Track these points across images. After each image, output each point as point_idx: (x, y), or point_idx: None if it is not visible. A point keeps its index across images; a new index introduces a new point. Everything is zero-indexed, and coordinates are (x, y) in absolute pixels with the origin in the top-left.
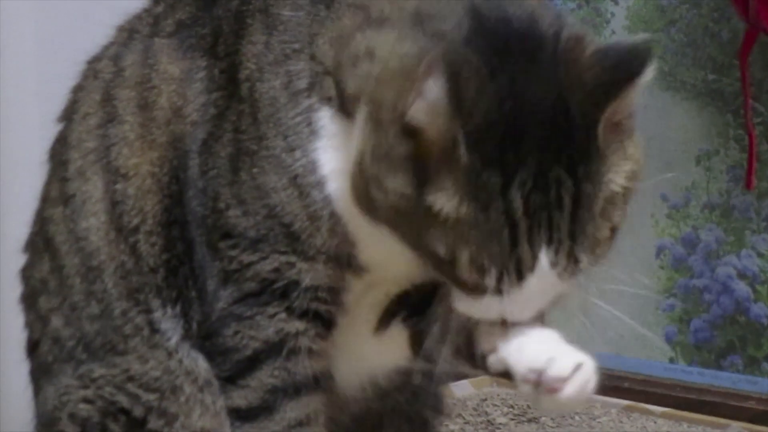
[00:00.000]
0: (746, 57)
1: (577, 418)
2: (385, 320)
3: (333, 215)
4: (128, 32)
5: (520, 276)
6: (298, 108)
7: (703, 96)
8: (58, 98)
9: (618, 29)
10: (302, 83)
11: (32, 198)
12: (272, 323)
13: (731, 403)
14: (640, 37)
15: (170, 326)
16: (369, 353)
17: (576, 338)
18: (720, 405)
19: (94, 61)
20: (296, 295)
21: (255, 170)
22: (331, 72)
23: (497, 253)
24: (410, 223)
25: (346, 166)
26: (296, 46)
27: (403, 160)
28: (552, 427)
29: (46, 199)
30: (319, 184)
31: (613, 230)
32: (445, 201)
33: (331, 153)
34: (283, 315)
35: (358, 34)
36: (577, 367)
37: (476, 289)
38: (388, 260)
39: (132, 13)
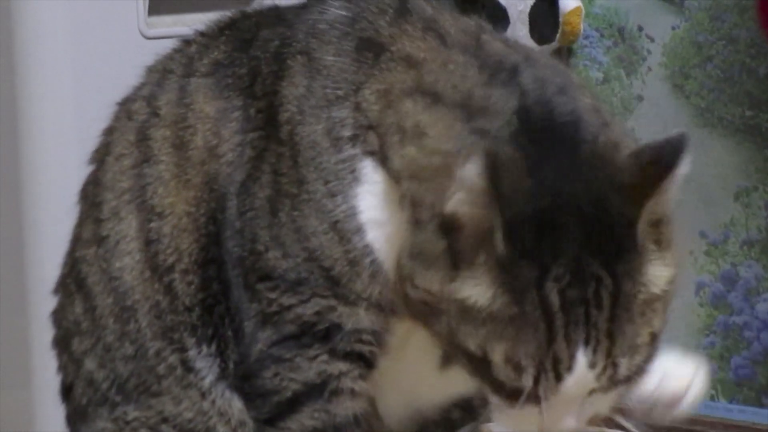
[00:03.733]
0: None
1: None
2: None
3: (374, 262)
4: (161, 73)
5: (558, 376)
6: (341, 155)
7: (740, 132)
8: (89, 141)
9: (654, 66)
10: (346, 131)
11: (60, 242)
12: (313, 365)
13: None
14: (675, 131)
15: (205, 365)
16: (427, 388)
17: None
18: None
19: (126, 102)
20: (339, 337)
21: (295, 213)
22: (376, 128)
23: (533, 350)
24: (442, 321)
25: (385, 217)
26: (340, 92)
27: (438, 256)
28: None
29: (78, 240)
30: (360, 230)
31: (653, 337)
32: (479, 293)
33: (372, 201)
34: (324, 357)
35: (408, 100)
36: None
37: (513, 393)
38: None
39: (162, 54)
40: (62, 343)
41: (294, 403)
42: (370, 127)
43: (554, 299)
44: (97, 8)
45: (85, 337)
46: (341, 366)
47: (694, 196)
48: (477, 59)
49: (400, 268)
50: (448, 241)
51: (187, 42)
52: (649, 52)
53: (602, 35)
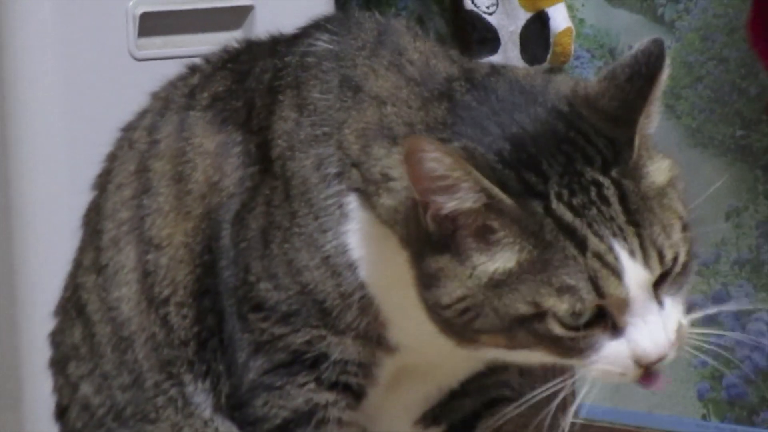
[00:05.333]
0: None
1: None
2: (427, 419)
3: (365, 297)
4: (163, 101)
5: (613, 271)
6: (329, 190)
7: (731, 152)
8: (80, 163)
9: None
10: (332, 168)
11: (51, 265)
12: (302, 393)
13: None
14: (648, 39)
15: (202, 399)
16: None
17: (609, 396)
18: None
19: (128, 130)
20: (325, 366)
21: (286, 245)
22: (358, 166)
23: (574, 265)
24: (488, 312)
25: (376, 255)
26: (326, 129)
27: (447, 267)
28: None
29: (79, 266)
30: (351, 266)
31: (680, 218)
32: (503, 260)
33: (361, 239)
34: (312, 385)
35: (375, 144)
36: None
37: (588, 325)
38: (422, 344)
39: (167, 80)
40: (59, 366)
41: (283, 430)
42: (353, 165)
43: (565, 212)
44: (87, 30)
45: (83, 362)
46: (328, 395)
47: (692, 223)
48: (425, 87)
49: (425, 302)
50: (449, 246)
51: (192, 70)
52: None
53: (593, 56)
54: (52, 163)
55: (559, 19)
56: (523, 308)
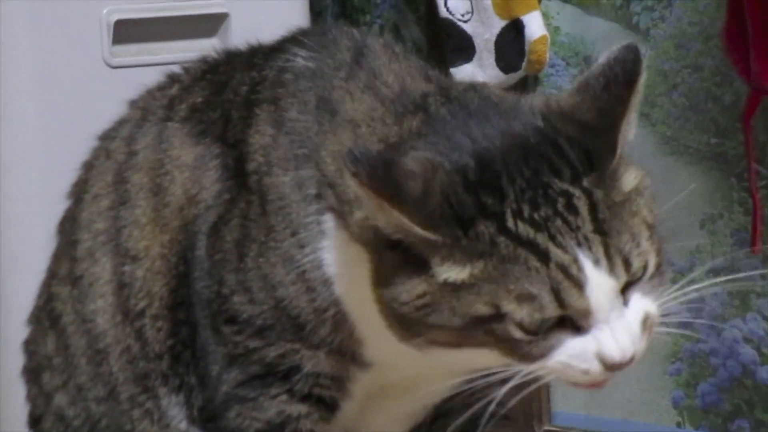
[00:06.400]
0: (749, 120)
1: None
2: None
3: (339, 313)
4: (142, 111)
5: (575, 283)
6: (310, 209)
7: (706, 160)
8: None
9: None
10: (312, 190)
11: (29, 274)
12: (274, 404)
13: None
14: (622, 45)
15: (177, 412)
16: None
17: (583, 404)
18: None
19: (106, 139)
20: (298, 378)
21: (261, 260)
22: (333, 187)
23: (537, 276)
24: (444, 310)
25: (350, 272)
26: (305, 150)
27: (403, 266)
28: None
29: (54, 275)
30: (326, 282)
31: (648, 226)
32: (456, 272)
33: (336, 256)
34: (284, 397)
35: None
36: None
37: (539, 330)
38: (397, 360)
39: (145, 89)
40: (32, 375)
41: None
42: (330, 185)
43: (523, 228)
44: (61, 38)
45: (57, 373)
46: (300, 408)
47: (661, 225)
48: (400, 104)
49: (381, 299)
50: (403, 251)
51: (171, 79)
52: None
53: (568, 63)
54: (26, 169)
55: (534, 26)
56: (482, 309)
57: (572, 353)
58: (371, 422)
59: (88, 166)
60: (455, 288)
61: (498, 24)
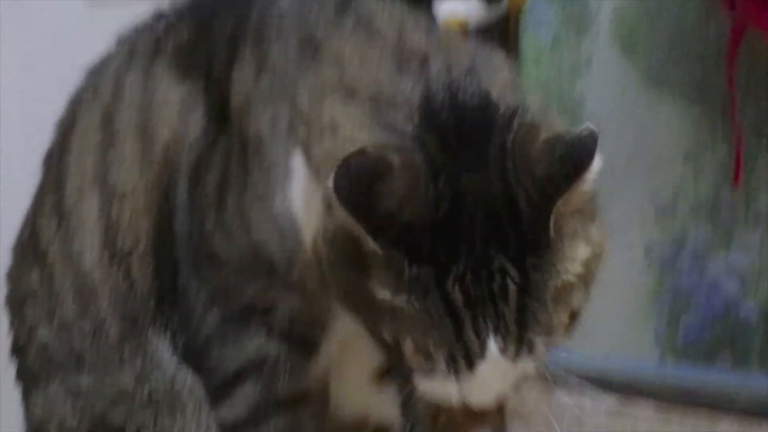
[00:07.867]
0: (734, 54)
1: (567, 415)
2: (386, 373)
3: (307, 256)
4: (129, 48)
5: (470, 363)
6: (280, 147)
7: (690, 93)
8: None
9: (604, 28)
10: (283, 125)
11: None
12: (253, 343)
13: (721, 401)
14: (585, 127)
15: (164, 352)
16: (364, 399)
17: None
18: (710, 402)
19: (94, 74)
20: (275, 317)
21: (239, 199)
22: (306, 123)
23: (443, 342)
24: (360, 307)
25: (308, 211)
26: (282, 87)
27: (345, 248)
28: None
29: (40, 208)
30: (293, 224)
31: (573, 314)
32: (383, 291)
33: (302, 198)
34: (263, 335)
35: (329, 97)
36: None
37: (428, 372)
38: None
39: (133, 25)
40: (15, 305)
41: (237, 378)
42: (302, 122)
43: (457, 297)
44: None
45: (40, 306)
46: (279, 346)
47: (643, 158)
48: (394, 52)
49: (317, 251)
50: (350, 238)
51: (158, 17)
52: (599, 13)
53: None
54: (5, 112)
55: None
56: (386, 335)
57: (438, 390)
58: (351, 361)
59: (77, 101)
60: (378, 303)
61: None
